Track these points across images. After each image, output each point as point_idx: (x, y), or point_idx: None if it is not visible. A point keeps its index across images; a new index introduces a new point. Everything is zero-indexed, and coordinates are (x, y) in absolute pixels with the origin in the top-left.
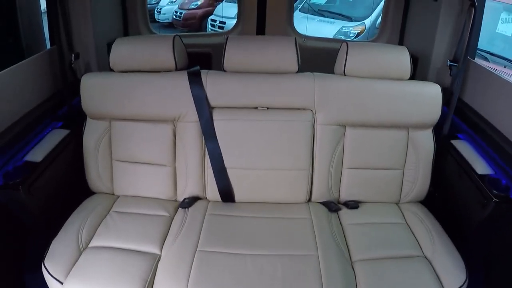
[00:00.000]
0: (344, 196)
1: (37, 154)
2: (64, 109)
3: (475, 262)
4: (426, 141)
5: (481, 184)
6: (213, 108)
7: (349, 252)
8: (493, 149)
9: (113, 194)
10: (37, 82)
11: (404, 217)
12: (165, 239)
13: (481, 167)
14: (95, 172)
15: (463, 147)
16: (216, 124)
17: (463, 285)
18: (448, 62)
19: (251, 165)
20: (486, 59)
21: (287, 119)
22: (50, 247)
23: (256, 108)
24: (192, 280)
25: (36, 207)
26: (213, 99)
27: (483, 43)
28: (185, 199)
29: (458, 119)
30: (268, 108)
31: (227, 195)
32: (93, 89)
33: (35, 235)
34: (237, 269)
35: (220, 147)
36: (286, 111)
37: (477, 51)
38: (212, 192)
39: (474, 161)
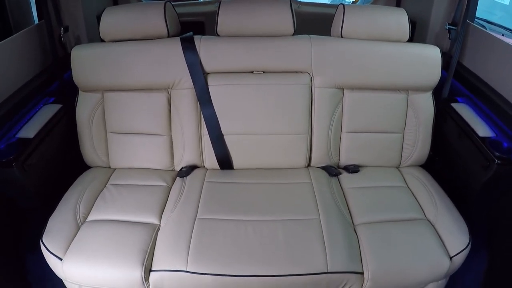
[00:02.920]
0: (344, 160)
1: (29, 130)
2: (55, 84)
3: (478, 225)
4: (425, 104)
5: (482, 146)
6: (208, 73)
7: (351, 216)
8: (494, 112)
9: (109, 167)
10: (26, 58)
11: (405, 180)
12: (163, 209)
13: (482, 129)
14: (90, 146)
15: (464, 110)
16: (211, 89)
17: (466, 247)
18: (447, 26)
19: (248, 131)
20: (484, 27)
21: (283, 83)
22: (48, 224)
23: (252, 72)
24: (192, 248)
25: (31, 184)
26: (207, 65)
27: (481, 12)
28: (182, 168)
29: (457, 82)
30: (264, 72)
31: (225, 162)
32: (84, 61)
33: (31, 213)
34: (238, 235)
35: (216, 113)
36: (282, 74)
37: (475, 19)
38: (210, 159)
39: (475, 123)
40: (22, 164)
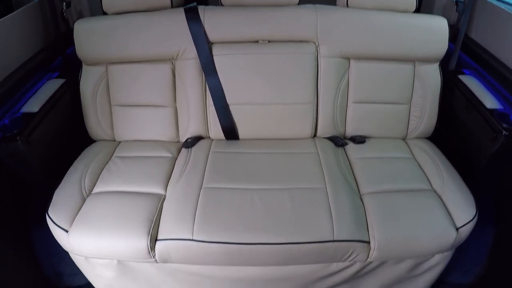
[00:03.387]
0: (350, 131)
1: (33, 105)
2: (58, 59)
3: (484, 198)
4: (432, 76)
5: (490, 118)
6: (212, 43)
7: (357, 185)
8: (502, 84)
9: (114, 141)
10: (28, 34)
11: (411, 152)
12: (169, 179)
13: (489, 101)
14: (95, 119)
15: (471, 82)
16: (216, 59)
17: (472, 219)
18: None
19: (254, 100)
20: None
21: (289, 52)
22: (53, 197)
23: (257, 41)
24: (198, 216)
25: (36, 158)
26: (212, 34)
27: None
28: (187, 139)
29: (465, 55)
30: (269, 41)
31: (230, 132)
32: (87, 35)
33: (37, 187)
34: (243, 203)
35: (221, 83)
36: (288, 44)
37: None
38: (215, 130)
39: (483, 95)
40: (26, 138)
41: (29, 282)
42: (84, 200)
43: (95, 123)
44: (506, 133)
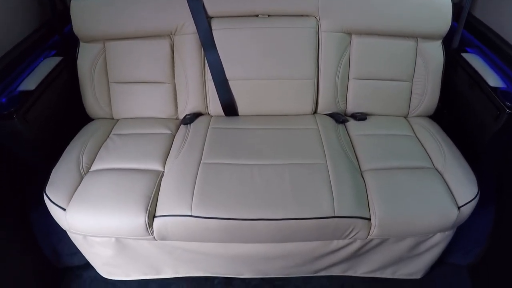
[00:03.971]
0: (351, 107)
1: (30, 83)
2: (55, 38)
3: (486, 177)
4: (435, 53)
5: (493, 96)
6: (211, 18)
7: (358, 162)
8: (506, 63)
9: (112, 118)
10: (25, 13)
11: (413, 130)
12: (167, 156)
13: (493, 79)
14: (92, 97)
15: (474, 60)
16: (215, 34)
17: (474, 198)
18: None
19: (253, 76)
20: None
21: (289, 26)
22: (51, 175)
23: (257, 15)
24: (197, 192)
25: (33, 137)
26: (210, 8)
27: None
28: (186, 115)
29: (468, 33)
30: (269, 15)
31: (230, 108)
32: (84, 11)
33: (34, 166)
34: (243, 179)
35: (221, 58)
36: (288, 18)
37: None
38: (214, 106)
39: (486, 73)
40: (23, 116)
41: (28, 262)
42: (81, 178)
43: (93, 101)
44: (509, 111)
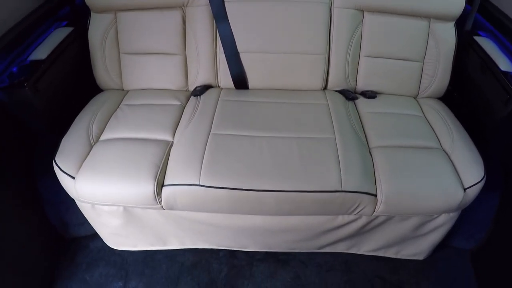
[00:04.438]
0: (361, 85)
1: (41, 52)
2: (66, 8)
3: (493, 162)
4: (447, 35)
5: (504, 80)
6: None
7: (366, 139)
8: None
9: (123, 90)
10: None
11: (422, 110)
12: (177, 126)
13: (504, 64)
14: (103, 68)
15: (486, 44)
16: (227, 6)
17: (480, 181)
18: None
19: (265, 49)
20: None
21: (302, 0)
22: (60, 144)
23: None
24: (205, 162)
25: (43, 105)
26: None
27: None
28: (196, 87)
29: (481, 17)
30: None
31: (240, 81)
32: None
33: (44, 135)
34: (251, 150)
35: (233, 30)
36: None
37: None
38: (225, 79)
39: (497, 57)
40: (34, 85)
41: (35, 232)
42: (91, 147)
43: (103, 71)
44: None
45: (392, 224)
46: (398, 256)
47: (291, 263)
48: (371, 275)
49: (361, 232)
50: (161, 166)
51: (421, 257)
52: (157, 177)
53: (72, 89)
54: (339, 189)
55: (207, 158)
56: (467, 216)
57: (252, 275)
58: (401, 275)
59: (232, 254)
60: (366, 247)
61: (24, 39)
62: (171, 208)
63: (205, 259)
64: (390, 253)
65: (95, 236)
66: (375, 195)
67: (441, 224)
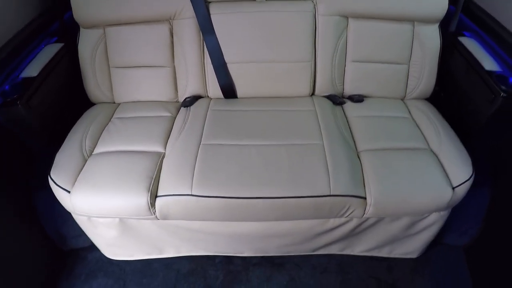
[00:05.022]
0: (348, 89)
1: (32, 69)
2: (56, 24)
3: (481, 159)
4: (432, 36)
5: (489, 79)
6: (209, 2)
7: (354, 143)
8: (502, 47)
9: (114, 103)
10: (25, 0)
11: (409, 112)
12: (168, 138)
13: (488, 63)
14: (94, 82)
15: (471, 44)
16: (213, 18)
17: (469, 179)
18: None
19: (252, 59)
20: None
21: (286, 10)
22: (55, 159)
23: (255, 0)
24: (197, 172)
25: (37, 122)
26: None
27: None
28: (186, 98)
29: (465, 17)
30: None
31: (229, 91)
32: None
33: (39, 151)
34: (242, 159)
35: (219, 42)
36: (285, 2)
37: None
38: (214, 89)
39: (482, 57)
40: (27, 102)
41: (33, 245)
42: (85, 161)
43: (94, 86)
44: (505, 94)
45: (383, 224)
46: (392, 255)
47: (286, 266)
48: (365, 275)
49: (353, 233)
50: (154, 178)
51: (414, 255)
52: (151, 188)
53: (65, 103)
54: (329, 193)
55: (198, 168)
56: (459, 212)
57: (248, 280)
58: (395, 274)
59: (228, 260)
60: (359, 248)
61: (16, 56)
62: (165, 218)
63: (201, 266)
64: (383, 253)
65: (92, 247)
66: (365, 198)
67: (432, 223)
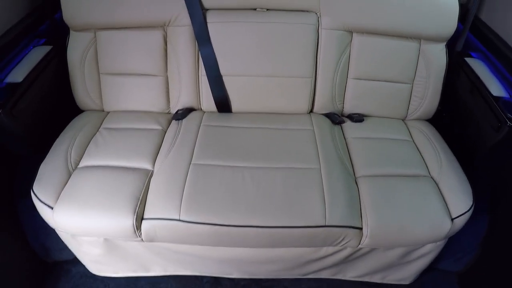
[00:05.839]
0: (348, 108)
1: (17, 75)
2: (46, 24)
3: (481, 187)
4: (438, 56)
5: (495, 105)
6: (207, 10)
7: (352, 167)
8: (509, 71)
9: (103, 111)
10: None
11: (410, 134)
12: (157, 154)
13: (496, 88)
14: (82, 88)
15: (478, 66)
16: (210, 27)
17: (468, 210)
18: None
19: (249, 72)
20: None
21: (288, 22)
22: (39, 171)
23: (255, 9)
24: (186, 195)
25: (21, 130)
26: (206, 0)
27: None
28: (178, 110)
29: (473, 37)
30: (267, 9)
31: (223, 105)
32: None
33: (23, 160)
34: (234, 182)
35: (215, 52)
36: (288, 13)
37: None
38: (207, 102)
39: (489, 81)
40: (10, 110)
41: (16, 256)
42: (69, 175)
43: (83, 92)
44: (511, 123)
45: (377, 253)
46: (384, 281)
47: None
48: None
49: (346, 261)
50: (140, 198)
51: (407, 282)
52: (137, 210)
53: (51, 110)
54: (324, 224)
55: (188, 191)
56: (454, 239)
57: None
58: None
59: (216, 280)
60: (351, 274)
61: (2, 59)
62: (151, 240)
63: (189, 286)
64: (376, 279)
65: (77, 260)
66: (361, 228)
67: (428, 252)
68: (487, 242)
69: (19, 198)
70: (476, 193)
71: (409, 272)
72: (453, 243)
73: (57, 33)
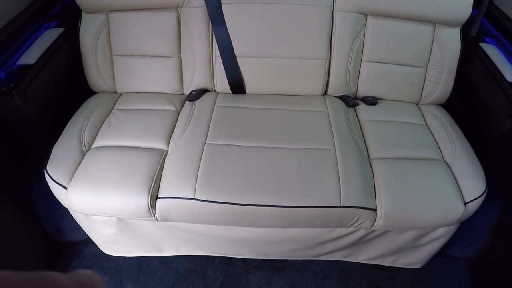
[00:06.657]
0: (362, 91)
1: (30, 57)
2: (57, 7)
3: (494, 172)
4: (452, 40)
5: (510, 91)
6: None
7: (367, 149)
8: None
9: (116, 92)
10: None
11: (424, 118)
12: (171, 134)
13: (510, 74)
14: (95, 70)
15: (492, 51)
16: (224, 8)
17: (482, 195)
18: None
19: (263, 53)
20: None
21: (303, 3)
22: (52, 152)
23: None
24: (201, 174)
25: (34, 112)
26: None
27: None
28: (192, 91)
29: (487, 22)
30: None
31: (237, 86)
32: None
33: (36, 142)
34: (248, 162)
35: (230, 33)
36: None
37: None
38: (221, 83)
39: (503, 66)
40: (23, 92)
41: (29, 237)
42: (83, 155)
43: (95, 74)
44: None
45: (389, 236)
46: (395, 265)
47: (287, 271)
48: (367, 284)
49: (359, 243)
50: (155, 178)
51: (418, 266)
52: (151, 189)
53: (63, 92)
54: (338, 204)
55: (203, 170)
56: (465, 225)
57: (248, 282)
58: (397, 283)
59: (228, 261)
60: (363, 256)
61: (13, 42)
62: (165, 219)
63: (201, 266)
64: (387, 262)
65: (89, 241)
66: (375, 210)
67: (440, 236)
68: (498, 228)
69: (32, 180)
70: (488, 179)
71: (420, 256)
72: (464, 229)
73: (69, 16)
